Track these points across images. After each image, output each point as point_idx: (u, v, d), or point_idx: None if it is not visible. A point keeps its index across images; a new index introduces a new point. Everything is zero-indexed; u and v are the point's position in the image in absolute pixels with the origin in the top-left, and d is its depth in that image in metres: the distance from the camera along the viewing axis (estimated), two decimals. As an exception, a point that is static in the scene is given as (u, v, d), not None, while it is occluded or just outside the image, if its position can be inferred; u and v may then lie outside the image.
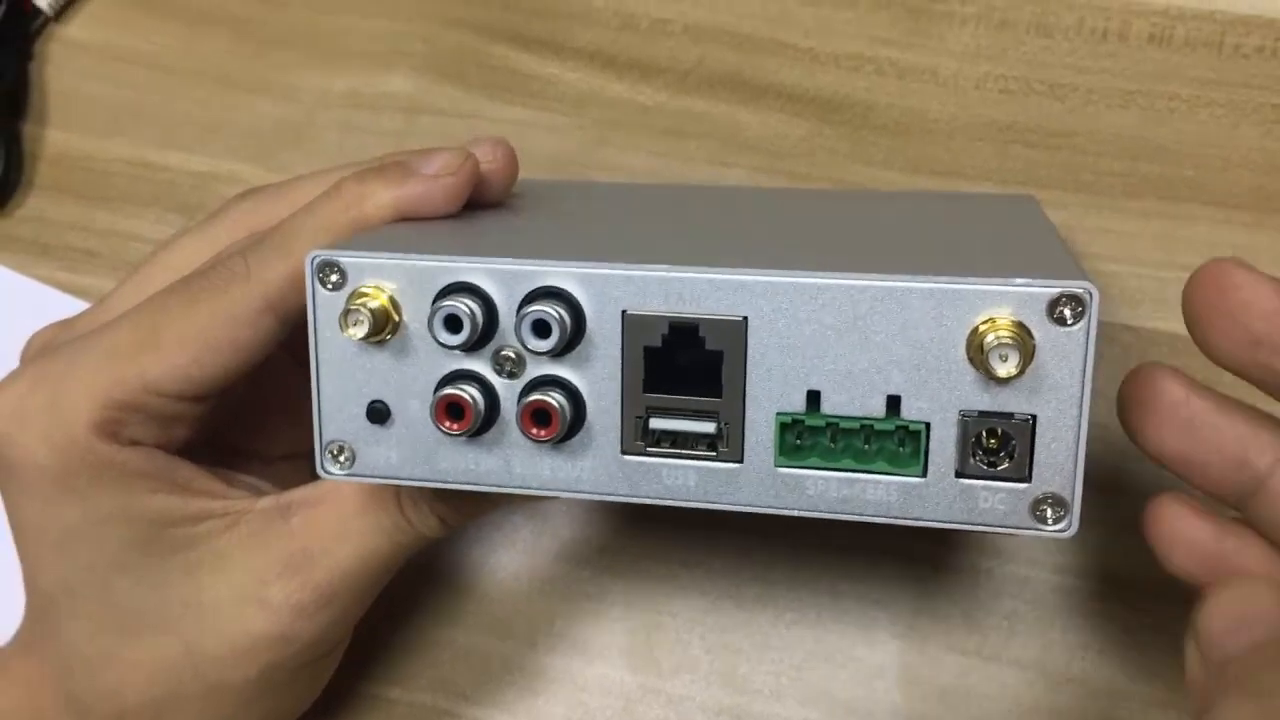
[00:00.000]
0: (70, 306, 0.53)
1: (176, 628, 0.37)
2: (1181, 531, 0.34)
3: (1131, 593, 0.43)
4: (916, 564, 0.45)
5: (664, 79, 0.51)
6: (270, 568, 0.37)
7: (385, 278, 0.31)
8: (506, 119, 0.52)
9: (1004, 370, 0.27)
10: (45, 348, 0.39)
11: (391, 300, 0.31)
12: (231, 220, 0.40)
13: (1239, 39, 0.46)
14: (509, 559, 0.48)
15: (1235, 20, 0.46)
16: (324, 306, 0.32)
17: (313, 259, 0.31)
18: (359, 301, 0.31)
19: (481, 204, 0.38)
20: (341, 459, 0.33)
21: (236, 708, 0.38)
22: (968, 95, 0.48)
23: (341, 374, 0.32)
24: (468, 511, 0.38)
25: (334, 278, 0.31)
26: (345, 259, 0.31)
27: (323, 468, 0.33)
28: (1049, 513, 0.29)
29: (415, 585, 0.48)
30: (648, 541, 0.47)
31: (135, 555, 0.37)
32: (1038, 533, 0.29)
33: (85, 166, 0.55)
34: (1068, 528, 0.29)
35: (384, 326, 0.31)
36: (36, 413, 0.36)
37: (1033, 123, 0.48)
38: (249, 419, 0.41)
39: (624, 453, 0.31)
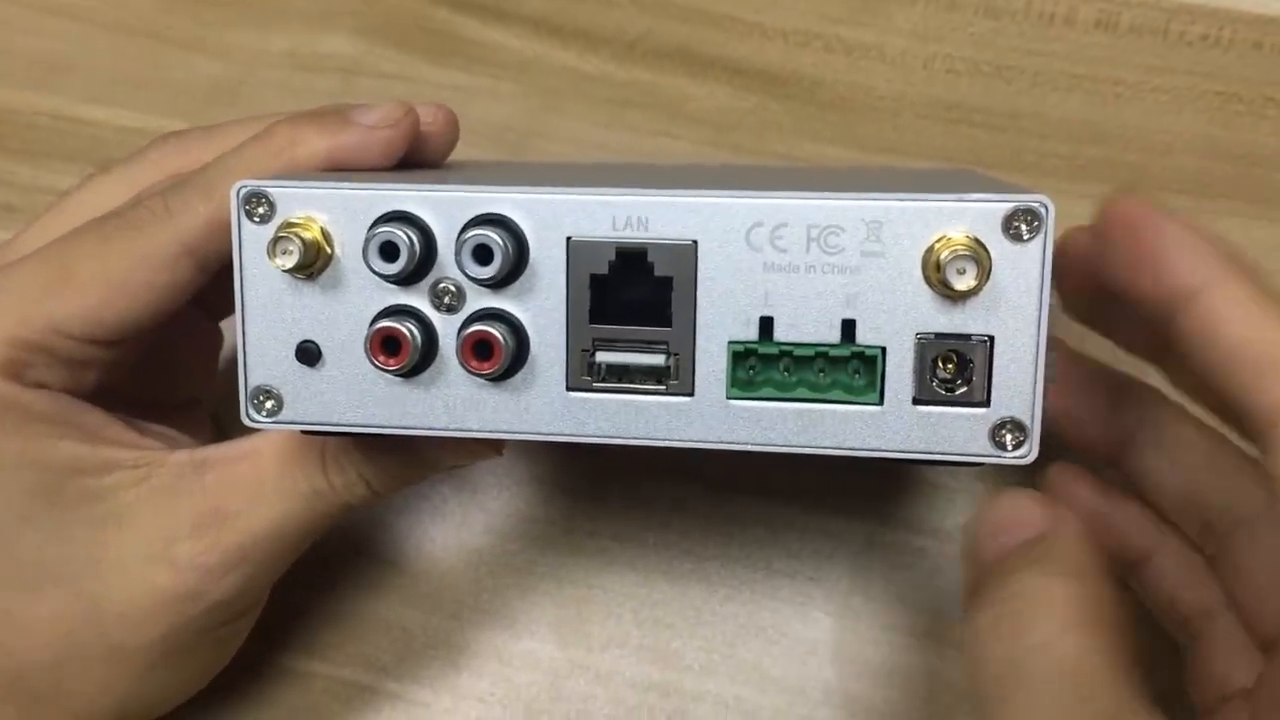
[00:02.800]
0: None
1: (79, 584, 0.35)
2: (1070, 495, 0.37)
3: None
4: (851, 542, 0.45)
5: (610, 49, 0.50)
6: (179, 525, 0.35)
7: (316, 208, 0.30)
8: (448, 84, 0.51)
9: (962, 284, 0.27)
10: None
11: (323, 232, 0.30)
12: (152, 162, 0.38)
13: (1184, 26, 0.46)
14: (435, 530, 0.47)
15: (1180, 8, 0.47)
16: (250, 240, 0.30)
17: (239, 189, 0.30)
18: (289, 230, 0.29)
19: (420, 164, 0.37)
20: (268, 405, 0.31)
21: (140, 670, 0.36)
22: (915, 74, 0.48)
23: (269, 313, 0.31)
24: (397, 476, 0.37)
25: (261, 209, 0.30)
26: (274, 189, 0.30)
27: (248, 415, 0.31)
28: (1009, 438, 0.28)
29: (337, 555, 0.47)
30: (579, 514, 0.46)
31: (38, 505, 0.35)
32: (998, 460, 0.29)
33: (7, 119, 0.54)
34: (1028, 453, 0.28)
35: (315, 258, 0.30)
36: None
37: (979, 103, 0.47)
38: (150, 366, 0.39)
39: (570, 389, 0.30)
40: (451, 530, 0.47)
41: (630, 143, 0.49)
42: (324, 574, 0.47)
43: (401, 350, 0.29)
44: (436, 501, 0.47)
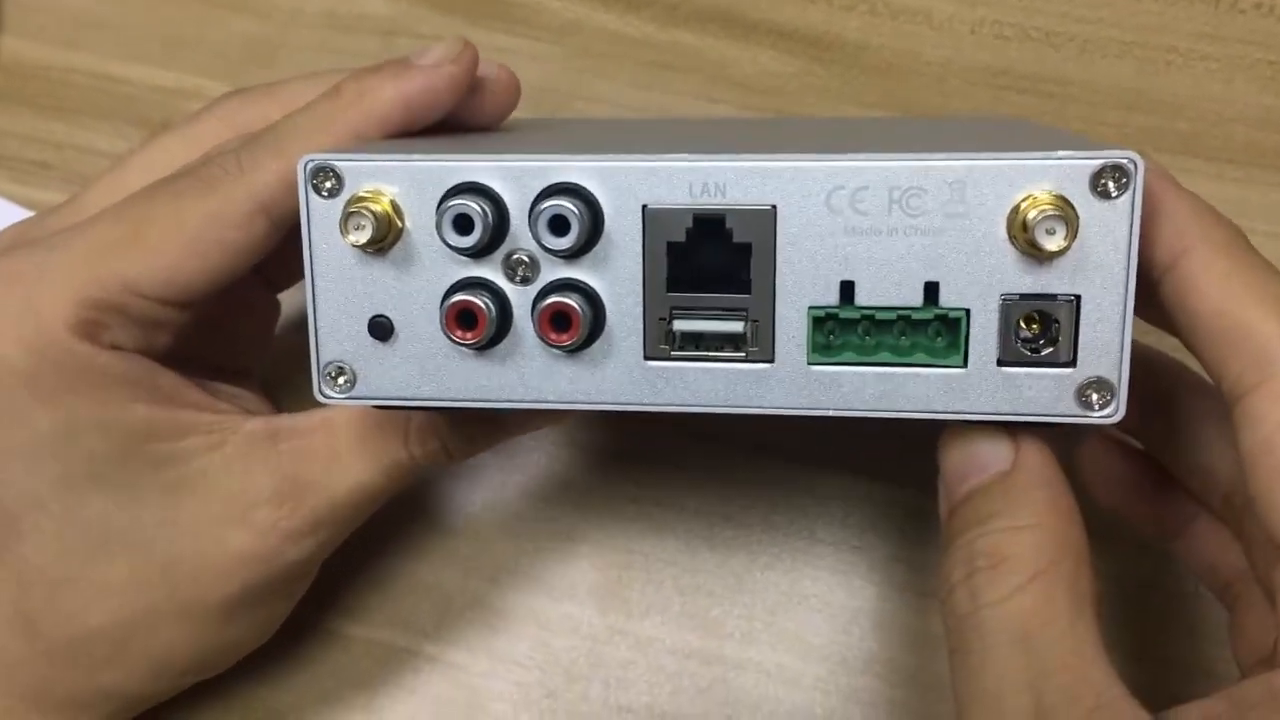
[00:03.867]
0: (18, 218, 0.50)
1: (152, 547, 0.35)
2: (1105, 469, 0.38)
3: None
4: (894, 510, 0.44)
5: (652, 10, 0.50)
6: (258, 491, 0.35)
7: (386, 181, 0.29)
8: (488, 45, 0.50)
9: (1052, 244, 0.27)
10: (15, 244, 0.36)
11: (393, 205, 0.29)
12: (217, 119, 0.38)
13: (1236, -5, 0.46)
14: (475, 493, 0.47)
15: (1232, -23, 0.46)
16: (319, 215, 0.29)
17: (306, 163, 0.29)
18: (359, 205, 0.29)
19: (478, 124, 0.37)
20: (341, 381, 0.30)
21: (208, 627, 0.36)
22: (962, 39, 0.48)
23: (340, 288, 0.30)
24: (479, 442, 0.37)
25: (329, 184, 0.29)
26: (341, 162, 0.29)
27: (320, 391, 0.30)
28: (1095, 398, 0.28)
29: (377, 518, 0.46)
30: (620, 479, 0.46)
31: (111, 469, 0.34)
32: (1085, 419, 0.28)
33: (42, 76, 0.53)
34: (1115, 412, 0.28)
35: (386, 232, 0.29)
36: (8, 312, 0.34)
37: (1027, 69, 0.47)
38: (214, 329, 0.39)
39: (647, 358, 0.29)
40: (491, 493, 0.47)
41: (671, 105, 0.49)
42: (362, 536, 0.46)
43: (478, 324, 0.29)
44: (475, 464, 0.47)
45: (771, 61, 0.49)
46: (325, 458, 0.36)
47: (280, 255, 0.34)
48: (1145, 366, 0.36)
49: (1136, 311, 0.31)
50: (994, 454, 0.30)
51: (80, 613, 0.35)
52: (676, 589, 0.45)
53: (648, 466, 0.46)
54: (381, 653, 0.46)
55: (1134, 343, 0.33)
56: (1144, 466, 0.37)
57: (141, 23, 0.53)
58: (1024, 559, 0.28)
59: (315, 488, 0.36)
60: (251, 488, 0.35)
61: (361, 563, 0.46)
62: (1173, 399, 0.36)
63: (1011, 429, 0.30)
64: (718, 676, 0.44)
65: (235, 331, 0.41)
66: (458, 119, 0.36)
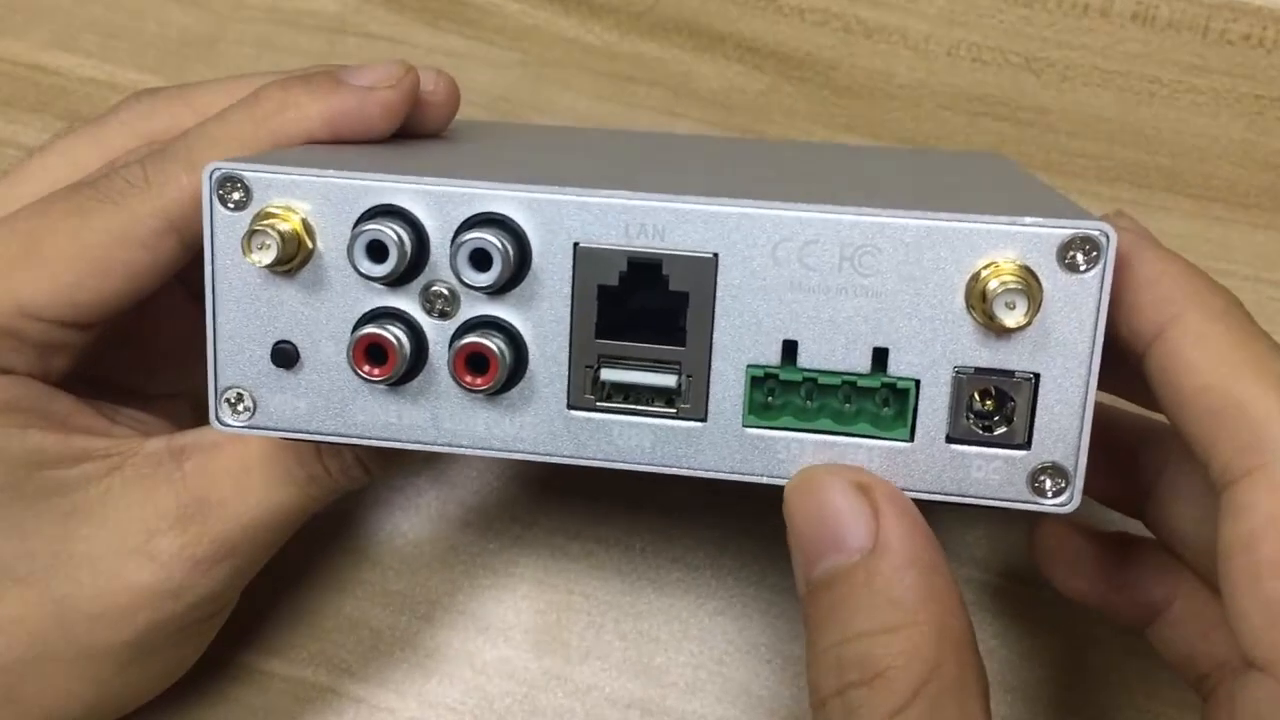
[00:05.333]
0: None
1: (45, 582, 0.32)
2: (1072, 558, 0.35)
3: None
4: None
5: (615, 18, 0.47)
6: (160, 517, 0.33)
7: (297, 197, 0.27)
8: (440, 48, 0.48)
9: (1011, 320, 0.25)
10: None
11: (304, 224, 0.27)
12: (125, 123, 0.35)
13: (1225, 24, 0.44)
14: (408, 524, 0.44)
15: (1221, 5, 0.44)
16: (223, 228, 0.27)
17: (211, 172, 0.27)
18: (265, 223, 0.27)
19: (415, 136, 0.34)
20: (240, 408, 0.28)
21: (109, 672, 0.34)
22: (939, 61, 0.45)
23: (243, 309, 0.28)
24: (396, 459, 0.34)
25: (236, 195, 0.27)
26: (250, 173, 0.27)
27: (217, 418, 0.29)
28: (1048, 484, 0.26)
29: (301, 545, 0.44)
30: (564, 514, 0.44)
31: (0, 499, 0.32)
32: (1036, 506, 0.26)
33: (-34, 64, 0.50)
34: (1068, 501, 0.26)
35: (294, 254, 0.27)
36: None
37: (1005, 96, 0.45)
38: (126, 350, 0.37)
39: (570, 407, 0.27)
40: (426, 524, 0.44)
41: (630, 119, 0.47)
42: (286, 566, 0.44)
43: (388, 359, 0.27)
44: (411, 493, 0.44)
45: (738, 77, 0.46)
46: (234, 475, 0.33)
47: None
48: (1138, 436, 0.34)
49: (1118, 390, 0.29)
50: (853, 524, 0.26)
51: None
52: (619, 633, 0.43)
53: (591, 501, 0.44)
54: (303, 692, 0.43)
55: (1125, 414, 0.31)
56: (1107, 549, 0.35)
57: (74, 10, 0.50)
58: (901, 673, 0.25)
59: (223, 509, 0.33)
60: (152, 513, 0.33)
61: (283, 594, 0.44)
62: (1166, 469, 0.33)
63: (870, 485, 0.26)
64: (659, 728, 0.42)
65: (154, 349, 0.38)
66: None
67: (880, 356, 0.26)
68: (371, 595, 0.44)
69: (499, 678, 0.43)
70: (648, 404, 0.27)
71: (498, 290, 0.27)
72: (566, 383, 0.27)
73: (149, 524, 0.33)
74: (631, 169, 0.32)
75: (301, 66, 0.46)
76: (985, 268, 0.25)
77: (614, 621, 0.43)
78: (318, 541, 0.44)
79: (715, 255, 0.26)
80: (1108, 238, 0.25)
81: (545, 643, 0.43)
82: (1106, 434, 0.33)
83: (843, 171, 0.34)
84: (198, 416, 0.41)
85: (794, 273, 0.26)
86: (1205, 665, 0.33)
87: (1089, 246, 0.25)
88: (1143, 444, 0.34)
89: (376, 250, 0.26)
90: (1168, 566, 0.34)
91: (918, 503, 0.27)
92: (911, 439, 0.27)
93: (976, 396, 0.26)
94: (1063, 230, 0.25)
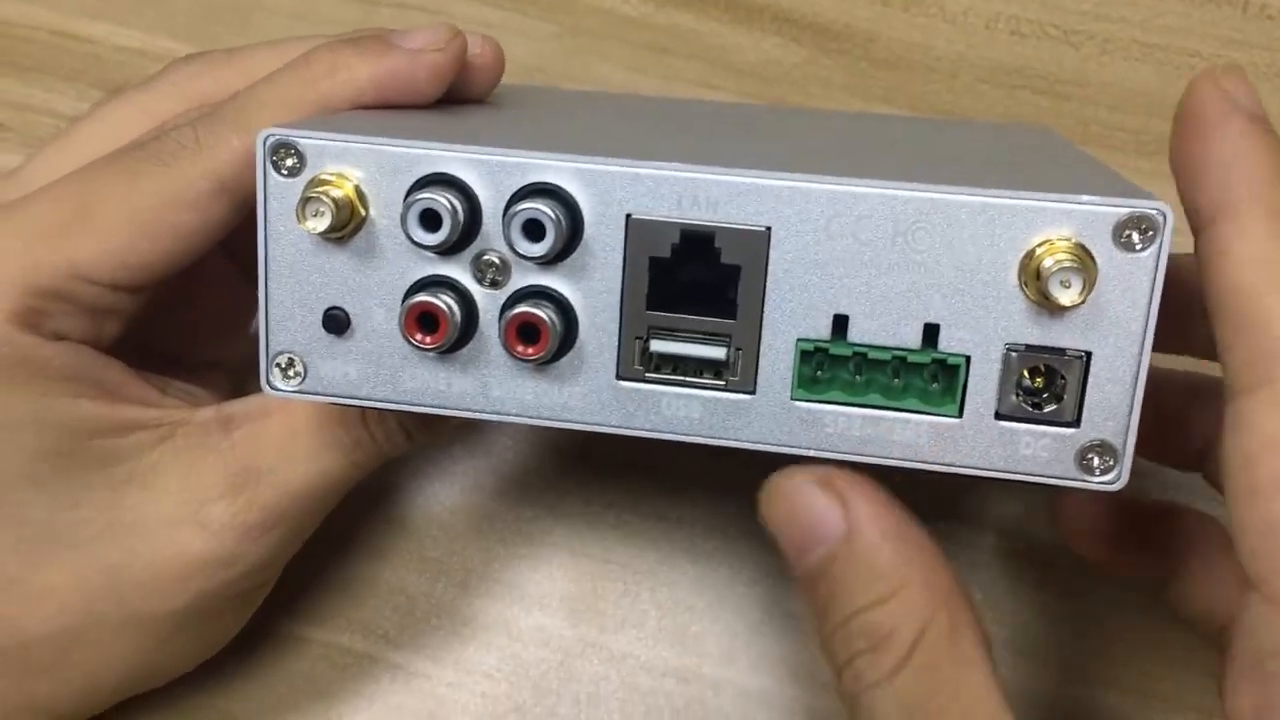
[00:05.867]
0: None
1: (96, 550, 0.33)
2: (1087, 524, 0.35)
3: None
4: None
5: (651, -11, 0.47)
6: (211, 486, 0.33)
7: (351, 164, 0.27)
8: (476, 18, 0.48)
9: (1067, 298, 0.24)
10: None
11: (357, 190, 0.27)
12: (175, 86, 0.35)
13: (1265, -1, 0.44)
14: (445, 492, 0.45)
15: (1263, -21, 0.44)
16: (277, 195, 0.27)
17: (265, 138, 0.27)
18: (319, 189, 0.27)
19: (460, 101, 0.34)
20: (291, 373, 0.29)
21: (159, 639, 0.34)
22: (977, 34, 0.45)
23: (295, 275, 0.28)
24: (442, 429, 0.35)
25: (290, 161, 0.27)
26: (304, 140, 0.27)
27: (269, 383, 0.29)
28: (1096, 462, 0.26)
29: (339, 515, 0.44)
30: (599, 483, 0.44)
31: (50, 468, 0.32)
32: (1083, 484, 0.26)
33: (2, 33, 0.50)
34: (1117, 479, 0.26)
35: (348, 220, 0.27)
36: None
37: (1044, 69, 0.45)
38: (168, 316, 0.37)
39: (620, 378, 0.27)
40: (462, 493, 0.44)
41: (666, 91, 0.47)
42: (324, 535, 0.44)
43: (439, 328, 0.27)
44: (446, 462, 0.45)
45: (775, 49, 0.46)
46: (281, 442, 0.33)
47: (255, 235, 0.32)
48: (1199, 394, 0.34)
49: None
50: (825, 516, 0.27)
51: (18, 620, 0.33)
52: (654, 602, 0.43)
53: (628, 471, 0.44)
54: (341, 658, 0.44)
55: (1185, 374, 0.30)
56: (1124, 511, 0.35)
57: (110, -20, 0.50)
58: (899, 633, 0.26)
59: (273, 476, 0.33)
60: (203, 482, 0.33)
61: (322, 563, 0.44)
62: (1190, 415, 0.33)
63: (832, 479, 0.27)
64: (694, 696, 0.42)
65: (198, 319, 0.38)
66: None
67: (931, 332, 0.26)
68: (408, 563, 0.44)
69: (534, 645, 0.43)
70: (697, 375, 0.27)
71: (549, 260, 0.26)
72: (616, 353, 0.27)
73: (200, 493, 0.33)
74: (683, 139, 0.32)
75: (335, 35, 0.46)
76: (1040, 245, 0.25)
77: (649, 590, 0.43)
78: (355, 510, 0.44)
79: (768, 229, 0.26)
80: (1165, 217, 0.24)
81: (581, 611, 0.43)
82: (1155, 394, 0.33)
83: (893, 144, 0.34)
84: (234, 387, 0.42)
85: (846, 247, 0.26)
86: (1223, 619, 0.33)
87: (1145, 225, 0.24)
88: (1194, 399, 0.34)
89: (430, 219, 0.26)
90: (1184, 525, 0.34)
91: (964, 478, 0.27)
92: (960, 415, 0.26)
93: (1026, 373, 0.26)
94: (1119, 209, 0.24)
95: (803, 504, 0.27)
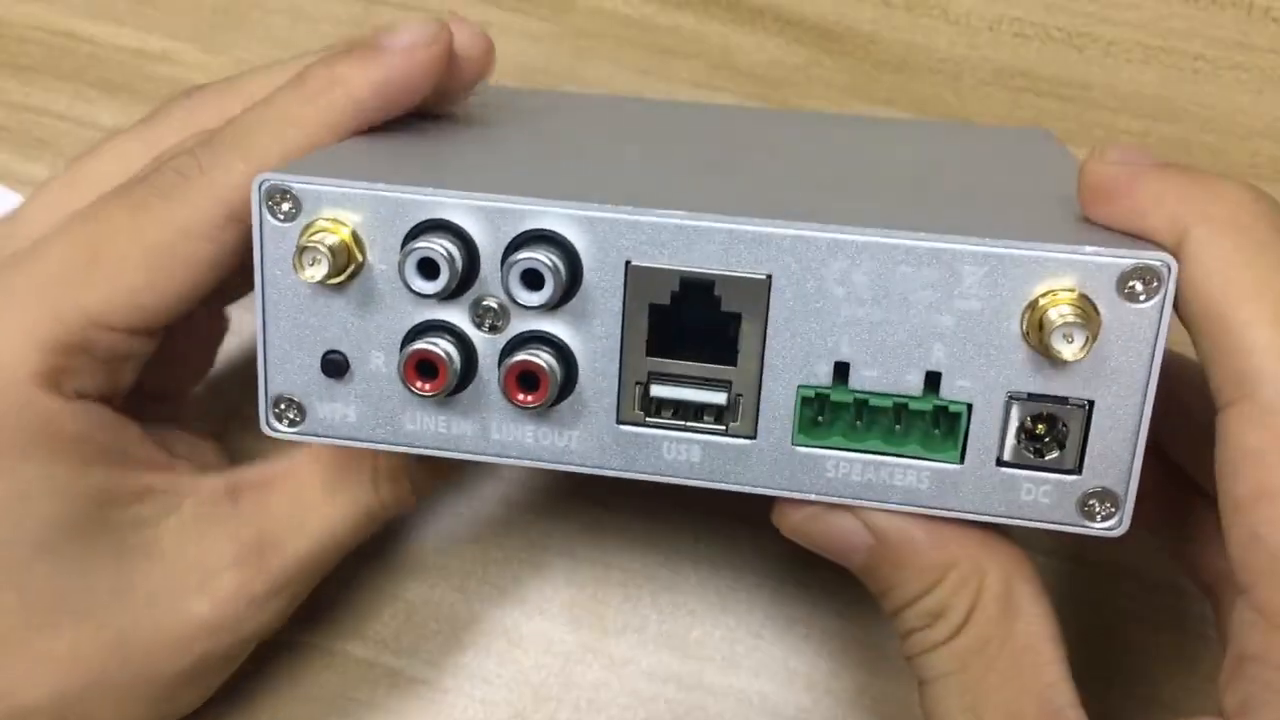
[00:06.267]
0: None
1: (101, 617, 0.32)
2: None
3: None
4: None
5: (653, -11, 0.47)
6: (219, 556, 0.33)
7: (347, 208, 0.27)
8: (477, 18, 0.46)
9: (1069, 352, 0.24)
10: None
11: (354, 236, 0.27)
12: (174, 119, 0.35)
13: (1270, 2, 0.43)
14: (445, 497, 0.45)
15: (1268, -19, 0.43)
16: (273, 240, 0.27)
17: (260, 183, 0.27)
18: (315, 237, 0.26)
19: (447, 98, 0.34)
20: (290, 416, 0.29)
21: (163, 695, 0.34)
22: (980, 36, 0.45)
23: (293, 319, 0.28)
24: (444, 475, 0.35)
25: (286, 206, 0.27)
26: (299, 185, 0.27)
27: (268, 424, 0.29)
28: (1098, 508, 0.26)
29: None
30: (598, 487, 0.44)
31: (62, 536, 0.31)
32: (1084, 530, 0.27)
33: (-1, 31, 0.50)
34: (1117, 526, 0.26)
35: (345, 266, 0.27)
36: None
37: (1047, 71, 0.44)
38: (159, 352, 0.36)
39: (620, 422, 0.28)
40: (460, 498, 0.45)
41: (668, 93, 0.46)
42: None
43: (439, 375, 0.27)
44: (446, 465, 0.45)
45: (778, 50, 0.46)
46: (289, 512, 0.34)
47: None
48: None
49: None
50: (850, 534, 0.29)
51: (15, 688, 0.32)
52: (655, 607, 0.43)
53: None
54: (338, 663, 0.44)
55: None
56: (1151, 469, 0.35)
57: (107, -21, 0.50)
58: (952, 610, 0.28)
59: (280, 546, 0.34)
60: (212, 553, 0.33)
61: (325, 569, 0.44)
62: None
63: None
64: (696, 702, 0.42)
65: (177, 352, 0.38)
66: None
67: (933, 380, 0.26)
68: (406, 568, 0.44)
69: (534, 650, 0.43)
70: (697, 420, 0.27)
71: (549, 307, 0.27)
72: (616, 398, 0.27)
73: (207, 563, 0.33)
74: (684, 175, 0.32)
75: (336, 35, 0.46)
76: (1043, 296, 0.25)
77: (650, 595, 0.43)
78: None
79: (769, 276, 0.26)
80: (1169, 269, 0.24)
81: (581, 616, 0.43)
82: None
83: (895, 170, 0.34)
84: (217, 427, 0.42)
85: (848, 294, 0.26)
86: (1209, 575, 0.33)
87: (1149, 276, 0.24)
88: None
89: (428, 268, 0.26)
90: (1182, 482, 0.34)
91: (963, 523, 0.27)
92: (961, 461, 0.27)
93: (1029, 420, 0.26)
94: (1124, 260, 0.24)
95: (821, 529, 0.29)
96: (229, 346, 0.42)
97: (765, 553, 0.43)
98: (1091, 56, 0.44)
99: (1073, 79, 0.44)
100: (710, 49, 0.46)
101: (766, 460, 0.27)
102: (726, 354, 0.27)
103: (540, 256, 0.26)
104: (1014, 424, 0.26)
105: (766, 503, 0.42)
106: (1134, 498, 0.26)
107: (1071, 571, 0.41)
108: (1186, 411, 0.32)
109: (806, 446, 0.27)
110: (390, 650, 0.44)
